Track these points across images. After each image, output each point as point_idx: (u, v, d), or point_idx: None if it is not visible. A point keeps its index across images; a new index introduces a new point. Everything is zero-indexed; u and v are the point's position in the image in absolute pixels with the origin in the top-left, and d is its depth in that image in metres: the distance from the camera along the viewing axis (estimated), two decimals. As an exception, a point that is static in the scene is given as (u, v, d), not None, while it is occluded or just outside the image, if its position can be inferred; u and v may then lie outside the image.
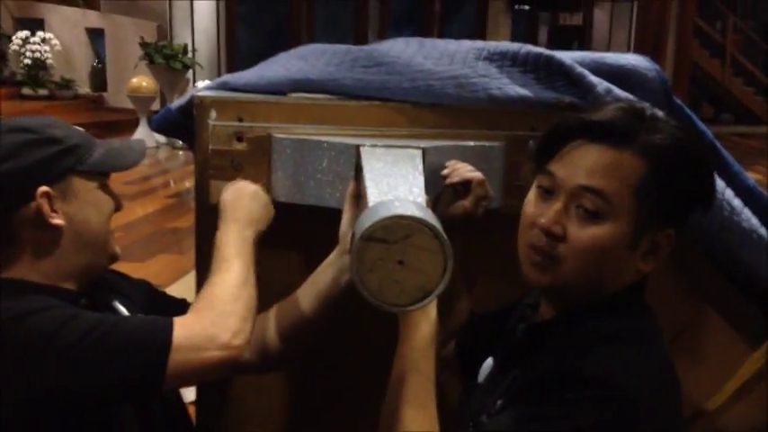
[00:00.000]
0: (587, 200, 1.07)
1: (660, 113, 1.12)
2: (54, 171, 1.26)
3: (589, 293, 1.12)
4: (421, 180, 1.27)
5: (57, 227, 1.25)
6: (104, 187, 1.34)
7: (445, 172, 1.38)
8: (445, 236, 1.04)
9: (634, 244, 1.08)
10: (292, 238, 1.55)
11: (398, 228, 1.04)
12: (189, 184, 7.06)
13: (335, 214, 1.39)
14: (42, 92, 10.42)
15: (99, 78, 11.11)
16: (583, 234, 1.07)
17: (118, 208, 1.37)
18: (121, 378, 1.14)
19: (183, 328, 1.17)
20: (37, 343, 1.12)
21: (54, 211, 1.25)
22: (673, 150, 1.08)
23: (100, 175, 1.33)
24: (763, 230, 1.51)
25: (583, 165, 1.08)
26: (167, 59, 9.33)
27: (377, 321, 1.20)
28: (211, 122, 1.46)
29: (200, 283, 1.56)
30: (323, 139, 1.43)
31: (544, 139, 1.15)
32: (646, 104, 1.14)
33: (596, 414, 0.99)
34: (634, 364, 1.04)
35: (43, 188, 1.23)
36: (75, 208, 1.28)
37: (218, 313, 1.20)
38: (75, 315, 1.16)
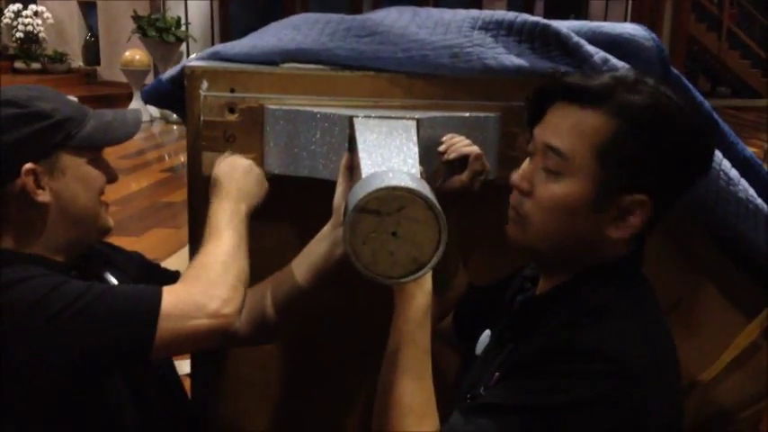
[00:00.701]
0: (549, 158, 1.09)
1: (652, 81, 1.08)
2: (40, 147, 1.23)
3: (563, 259, 1.13)
4: (415, 151, 1.26)
5: (43, 204, 1.24)
6: (96, 161, 1.31)
7: (442, 148, 1.37)
8: (439, 207, 1.03)
9: (598, 206, 1.07)
10: (285, 210, 1.54)
11: (392, 199, 1.03)
12: (183, 158, 7.01)
13: (329, 186, 1.38)
14: (35, 65, 10.37)
15: (92, 52, 11.03)
16: (544, 191, 1.09)
17: (112, 180, 1.34)
18: (109, 346, 1.13)
19: (172, 297, 1.16)
20: (21, 312, 1.11)
21: (40, 187, 1.23)
22: (649, 113, 1.04)
23: (91, 149, 1.30)
24: (759, 201, 1.50)
25: (552, 124, 1.10)
26: (160, 33, 9.25)
27: (372, 294, 1.20)
28: (203, 93, 1.44)
29: (193, 254, 1.56)
30: (316, 110, 1.41)
31: (529, 104, 1.17)
32: (640, 73, 1.11)
33: (590, 387, 0.98)
34: (627, 336, 1.04)
35: (29, 165, 1.21)
36: (62, 184, 1.25)
37: (207, 282, 1.19)
38: (60, 283, 1.14)
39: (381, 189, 1.02)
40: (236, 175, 1.37)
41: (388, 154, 1.23)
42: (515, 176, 1.13)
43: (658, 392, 1.02)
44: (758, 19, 13.55)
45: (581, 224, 1.08)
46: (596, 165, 1.06)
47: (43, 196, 1.23)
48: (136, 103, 9.23)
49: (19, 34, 10.06)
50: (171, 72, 1.55)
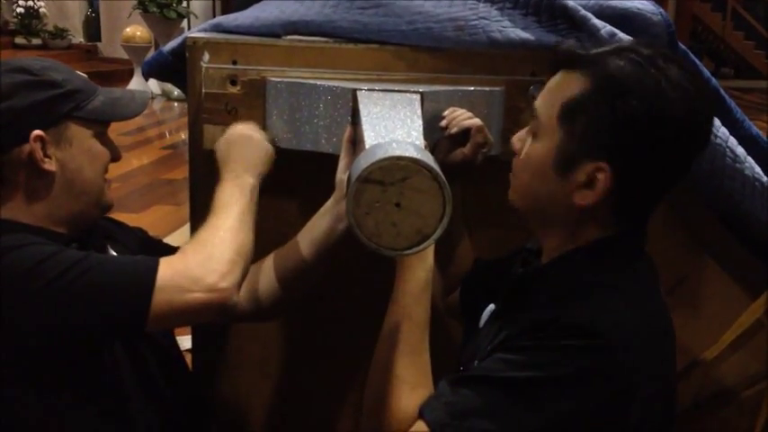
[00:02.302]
0: (532, 119, 1.12)
1: (657, 55, 1.04)
2: (50, 115, 1.24)
3: (543, 224, 1.14)
4: (419, 124, 1.25)
5: (48, 172, 1.23)
6: (102, 136, 1.31)
7: (443, 123, 1.35)
8: (444, 178, 1.02)
9: (561, 168, 1.06)
10: (287, 183, 1.53)
11: (396, 169, 1.01)
12: (184, 135, 7.01)
13: (331, 159, 1.36)
14: (36, 41, 10.32)
15: (93, 28, 10.98)
16: (523, 151, 1.13)
17: (115, 158, 1.35)
18: (104, 314, 1.13)
19: (169, 269, 1.15)
20: (17, 278, 1.10)
21: (47, 156, 1.23)
22: (621, 79, 1.01)
23: (97, 123, 1.30)
24: (765, 179, 1.49)
25: (542, 90, 1.12)
26: (161, 8, 9.18)
27: (374, 267, 1.19)
28: (204, 65, 1.42)
29: (194, 232, 1.55)
30: (319, 82, 1.40)
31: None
32: (650, 45, 1.07)
33: (575, 362, 0.97)
34: (617, 312, 1.02)
35: (37, 132, 1.21)
36: (68, 155, 1.26)
37: (205, 255, 1.18)
38: (55, 252, 1.14)
39: (385, 159, 1.01)
40: (236, 148, 1.36)
41: (392, 126, 1.22)
42: (513, 137, 1.17)
43: (646, 369, 1.01)
44: (763, 0, 13.46)
45: (549, 186, 1.08)
46: (558, 123, 1.06)
47: (49, 165, 1.23)
48: (137, 80, 9.20)
49: (19, 9, 10.00)
50: (172, 44, 1.54)
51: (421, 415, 1.02)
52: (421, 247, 1.04)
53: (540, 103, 1.10)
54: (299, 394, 1.67)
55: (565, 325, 1.00)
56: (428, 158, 1.03)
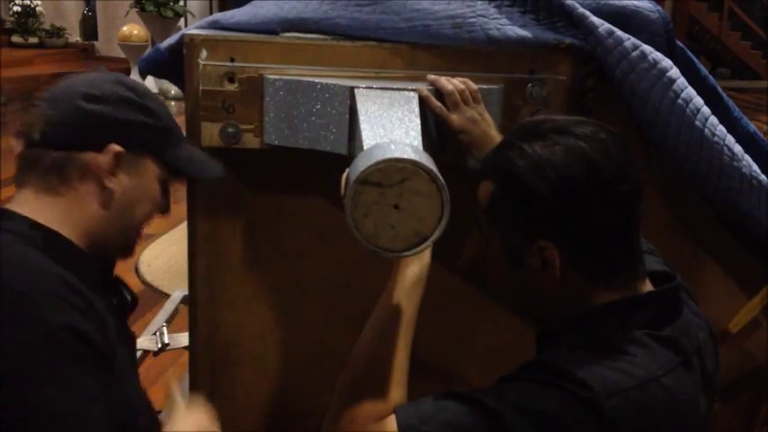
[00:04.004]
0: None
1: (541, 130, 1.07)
2: (137, 140, 1.20)
3: (535, 318, 1.16)
4: (417, 123, 1.25)
5: (108, 190, 1.18)
6: (165, 184, 1.27)
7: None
8: (442, 180, 1.02)
9: (514, 263, 1.08)
10: (284, 182, 1.53)
11: (394, 171, 1.02)
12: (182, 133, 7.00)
13: (329, 157, 1.36)
14: (32, 40, 10.31)
15: (89, 26, 10.96)
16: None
17: (164, 211, 1.30)
18: None
19: None
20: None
21: (113, 174, 1.18)
22: (510, 167, 1.05)
23: (170, 171, 1.26)
24: (763, 177, 1.49)
25: None
26: (158, 7, 9.17)
27: (374, 264, 1.18)
28: (202, 62, 1.42)
29: (192, 230, 1.55)
30: (317, 80, 1.39)
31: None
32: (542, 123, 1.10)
33: (558, 402, 0.96)
34: (610, 371, 0.99)
35: (118, 147, 1.17)
36: (132, 185, 1.20)
37: None
38: (54, 378, 0.99)
39: (383, 161, 1.01)
40: None
41: (390, 126, 1.22)
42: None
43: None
44: (759, 0, 13.47)
45: (511, 284, 1.12)
46: (492, 228, 1.11)
47: (111, 183, 1.18)
48: (134, 78, 9.17)
49: (16, 8, 9.99)
50: (169, 41, 1.53)
51: (394, 412, 1.02)
52: (419, 248, 1.05)
53: (479, 215, 1.13)
54: (298, 392, 1.66)
55: (557, 366, 1.00)
56: (426, 160, 1.03)
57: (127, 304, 1.31)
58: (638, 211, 1.07)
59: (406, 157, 1.02)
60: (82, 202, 1.18)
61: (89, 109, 1.16)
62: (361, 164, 1.04)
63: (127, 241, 1.26)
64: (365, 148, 1.12)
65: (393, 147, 1.05)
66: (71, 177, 1.17)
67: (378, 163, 1.01)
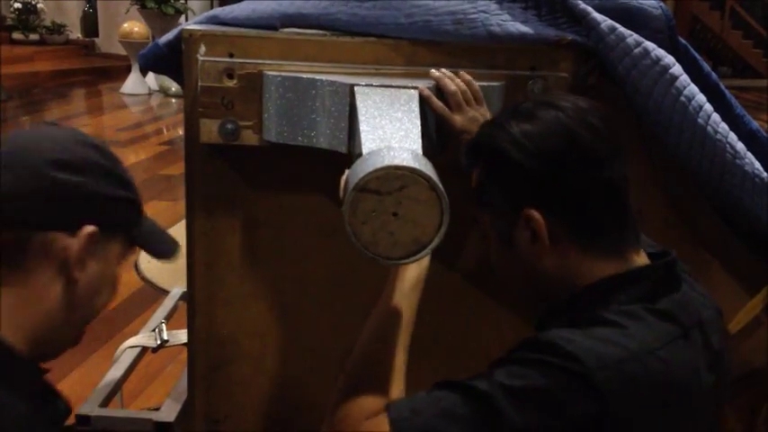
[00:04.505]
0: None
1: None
2: (112, 218, 1.00)
3: (540, 305, 1.14)
4: (417, 123, 1.24)
5: (73, 281, 0.96)
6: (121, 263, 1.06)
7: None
8: (441, 187, 1.02)
9: (508, 241, 1.10)
10: (283, 179, 1.52)
11: (393, 178, 1.01)
12: (182, 131, 6.99)
13: (328, 155, 1.35)
14: (33, 36, 10.31)
15: (90, 23, 10.97)
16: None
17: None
18: None
19: None
20: None
21: (83, 262, 0.96)
22: (485, 143, 1.11)
23: (131, 251, 1.06)
24: (764, 175, 1.48)
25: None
26: (159, 4, 9.15)
27: (374, 263, 1.18)
28: (201, 58, 1.41)
29: (190, 227, 1.54)
30: (317, 77, 1.38)
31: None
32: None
33: (549, 378, 0.95)
34: (600, 343, 0.98)
35: (93, 228, 0.95)
36: (96, 272, 0.99)
37: None
38: None
39: (382, 168, 1.01)
40: None
41: (390, 127, 1.21)
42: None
43: (624, 408, 0.96)
44: (761, -2, 13.47)
45: (519, 263, 1.11)
46: (484, 210, 1.14)
47: (79, 272, 0.96)
48: (135, 76, 9.19)
49: (17, 5, 9.99)
50: (168, 36, 1.52)
51: (386, 408, 1.02)
52: (418, 256, 1.05)
53: (475, 208, 1.16)
54: (296, 389, 1.66)
55: (542, 341, 0.99)
56: (426, 167, 1.03)
57: (61, 417, 1.04)
58: (622, 174, 1.08)
59: (405, 164, 1.01)
60: (37, 295, 0.94)
61: (61, 179, 0.93)
62: (359, 171, 1.03)
63: (78, 336, 1.05)
64: (364, 151, 1.12)
65: (392, 153, 1.05)
66: (27, 263, 0.93)
67: (376, 170, 1.01)
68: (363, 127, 1.20)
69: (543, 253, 1.07)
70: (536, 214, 1.05)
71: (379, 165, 1.01)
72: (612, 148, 1.07)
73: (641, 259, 1.09)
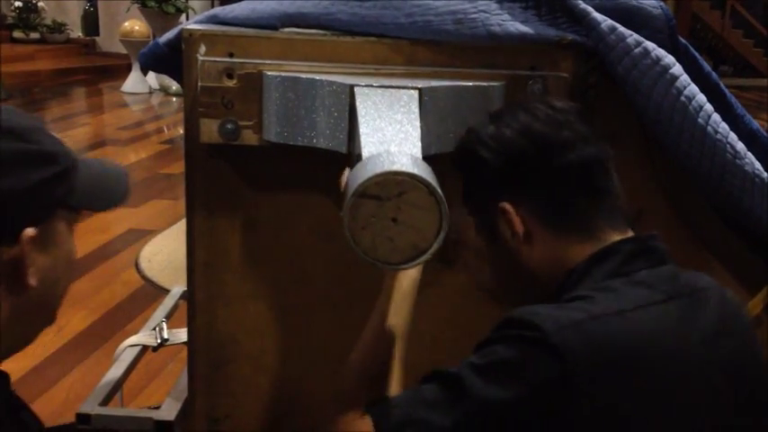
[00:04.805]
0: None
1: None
2: (45, 204, 0.90)
3: (530, 288, 1.17)
4: (417, 125, 1.24)
5: (27, 288, 0.88)
6: (72, 231, 0.97)
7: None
8: (441, 192, 1.02)
9: (493, 238, 1.17)
10: (283, 179, 1.52)
11: (392, 184, 1.02)
12: (182, 130, 7.01)
13: (328, 155, 1.35)
14: (34, 35, 10.31)
15: (91, 22, 10.97)
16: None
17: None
18: None
19: None
20: None
21: (33, 265, 0.88)
22: (460, 153, 1.21)
23: (79, 212, 0.98)
24: (765, 175, 1.48)
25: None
26: (160, 3, 9.17)
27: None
28: (200, 58, 1.41)
29: (190, 227, 1.54)
30: (317, 77, 1.38)
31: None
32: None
33: (509, 349, 0.97)
34: (562, 311, 0.99)
35: (31, 232, 0.87)
36: (51, 262, 0.92)
37: None
38: None
39: (381, 174, 1.01)
40: None
41: (390, 129, 1.21)
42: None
43: (587, 373, 0.95)
44: (762, -3, 13.46)
45: (500, 263, 1.20)
46: (471, 215, 1.23)
47: (33, 277, 0.88)
48: (135, 74, 9.20)
49: (18, 3, 10.00)
50: (168, 35, 1.52)
51: (368, 407, 1.06)
52: (417, 261, 1.05)
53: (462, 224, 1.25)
54: (296, 389, 1.66)
55: (512, 318, 1.01)
56: (425, 172, 1.03)
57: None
58: (591, 155, 1.12)
59: (404, 170, 1.02)
60: None
61: None
62: (358, 176, 1.04)
63: (52, 319, 0.99)
64: (363, 155, 1.12)
65: (391, 158, 1.05)
66: None
67: (376, 176, 1.01)
68: (363, 129, 1.21)
69: (522, 244, 1.12)
70: (507, 206, 1.12)
71: (378, 170, 1.01)
72: (572, 133, 1.12)
73: (621, 236, 1.12)
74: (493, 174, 1.14)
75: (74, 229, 0.98)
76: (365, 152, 1.12)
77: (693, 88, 1.40)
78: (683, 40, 1.46)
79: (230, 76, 1.41)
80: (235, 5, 1.53)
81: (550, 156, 1.11)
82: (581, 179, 1.12)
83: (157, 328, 2.03)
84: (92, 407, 1.68)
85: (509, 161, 1.13)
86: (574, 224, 1.12)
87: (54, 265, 0.93)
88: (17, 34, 10.23)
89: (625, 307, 1.00)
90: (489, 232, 1.18)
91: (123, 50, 9.63)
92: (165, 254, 4.00)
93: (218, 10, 1.53)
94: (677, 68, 1.40)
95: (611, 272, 1.07)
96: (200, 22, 1.53)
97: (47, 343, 2.94)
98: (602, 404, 0.95)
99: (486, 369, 0.97)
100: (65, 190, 0.92)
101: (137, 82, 9.27)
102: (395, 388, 1.14)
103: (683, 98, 1.39)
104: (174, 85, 8.78)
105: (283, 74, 1.40)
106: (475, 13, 1.42)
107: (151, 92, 9.27)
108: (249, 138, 1.43)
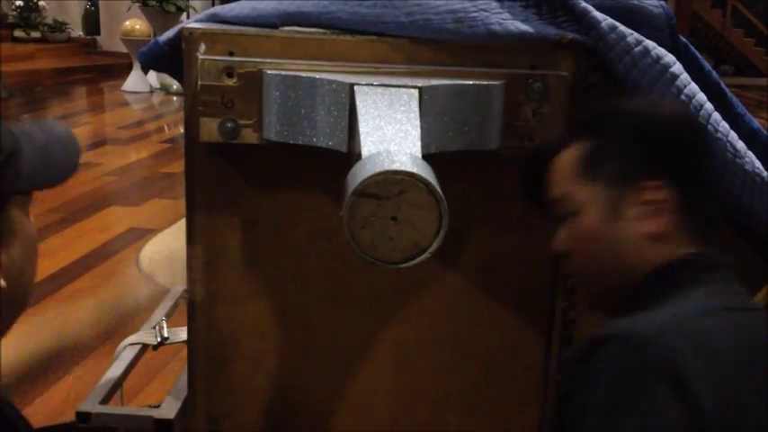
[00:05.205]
0: (558, 210, 1.17)
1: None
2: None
3: (620, 280, 1.13)
4: (416, 124, 1.24)
5: None
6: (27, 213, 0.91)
7: None
8: (440, 191, 1.02)
9: (612, 215, 1.11)
10: (284, 178, 1.52)
11: (392, 183, 1.02)
12: (183, 129, 7.03)
13: (328, 154, 1.35)
14: (35, 34, 10.33)
15: (92, 21, 10.98)
16: (567, 238, 1.16)
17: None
18: None
19: None
20: None
21: None
22: (607, 119, 1.17)
23: (28, 195, 0.92)
24: (765, 174, 1.48)
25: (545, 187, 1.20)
26: (161, 2, 9.18)
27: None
28: (200, 56, 1.40)
29: (190, 226, 1.54)
30: (317, 76, 1.38)
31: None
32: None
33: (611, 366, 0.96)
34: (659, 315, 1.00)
35: None
36: (11, 254, 0.87)
37: None
38: None
39: (381, 173, 1.01)
40: None
41: (389, 129, 1.21)
42: (552, 248, 1.19)
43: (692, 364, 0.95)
44: (763, -4, 13.47)
45: (607, 241, 1.12)
46: (587, 183, 1.14)
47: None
48: (136, 73, 9.21)
49: (19, 2, 10.01)
50: (168, 34, 1.52)
51: None
52: (417, 260, 1.06)
53: (556, 189, 1.17)
54: (296, 388, 1.66)
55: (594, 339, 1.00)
56: (424, 171, 1.03)
57: None
58: None
59: (403, 169, 1.02)
60: None
61: None
62: (358, 175, 1.04)
63: (22, 308, 0.94)
64: (363, 154, 1.12)
65: (391, 158, 1.05)
66: None
67: (375, 175, 1.02)
68: (363, 128, 1.21)
69: (645, 226, 1.10)
70: (658, 185, 1.09)
71: (378, 169, 1.01)
72: None
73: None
74: (654, 143, 1.12)
75: (29, 209, 0.92)
76: (365, 151, 1.12)
77: (693, 87, 1.40)
78: (684, 39, 1.46)
79: (230, 75, 1.41)
80: (235, 4, 1.53)
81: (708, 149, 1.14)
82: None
83: (157, 327, 2.03)
84: (92, 405, 1.68)
85: (680, 133, 1.13)
86: (701, 220, 1.13)
87: (17, 256, 0.88)
88: (18, 33, 10.24)
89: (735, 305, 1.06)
90: (611, 205, 1.12)
91: (124, 49, 9.64)
92: (165, 252, 4.00)
93: (219, 8, 1.53)
94: (677, 67, 1.39)
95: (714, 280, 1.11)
96: (201, 20, 1.53)
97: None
98: None
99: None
100: (11, 178, 0.86)
101: (137, 81, 9.28)
102: None
103: (683, 97, 1.39)
104: (175, 84, 8.78)
105: (283, 72, 1.40)
106: (475, 11, 1.42)
107: (152, 91, 9.27)
108: (249, 136, 1.43)
